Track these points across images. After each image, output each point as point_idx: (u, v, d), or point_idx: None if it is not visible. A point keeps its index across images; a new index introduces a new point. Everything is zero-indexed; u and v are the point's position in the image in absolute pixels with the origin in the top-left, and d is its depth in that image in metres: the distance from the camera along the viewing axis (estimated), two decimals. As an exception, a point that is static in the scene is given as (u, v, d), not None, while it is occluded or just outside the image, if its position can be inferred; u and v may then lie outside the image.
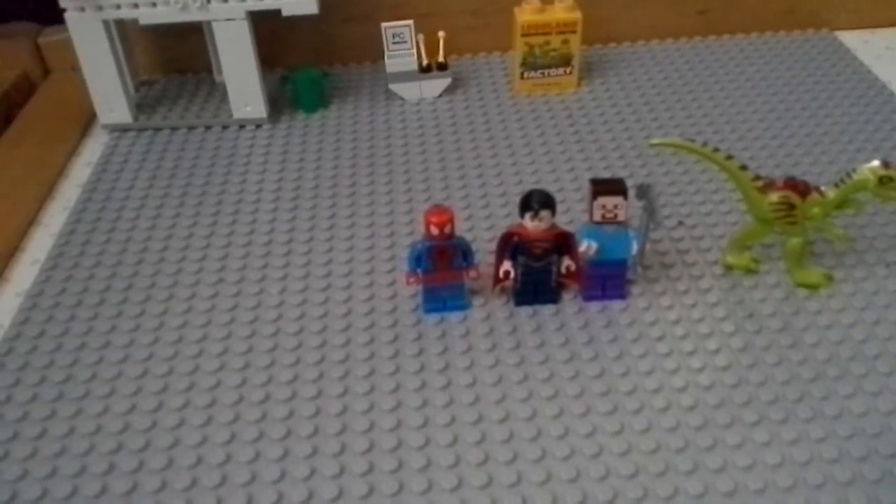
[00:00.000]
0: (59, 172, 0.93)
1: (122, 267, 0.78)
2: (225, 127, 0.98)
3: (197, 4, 0.89)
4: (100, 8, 0.89)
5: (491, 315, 0.72)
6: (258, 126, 0.98)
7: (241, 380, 0.66)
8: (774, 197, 0.69)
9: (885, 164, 0.68)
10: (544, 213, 0.68)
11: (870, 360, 0.66)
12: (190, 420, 0.63)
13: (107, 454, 0.60)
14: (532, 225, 0.68)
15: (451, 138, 0.96)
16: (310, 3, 0.90)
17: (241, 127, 0.98)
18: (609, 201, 0.68)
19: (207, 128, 0.98)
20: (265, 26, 0.95)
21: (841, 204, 0.70)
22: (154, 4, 0.89)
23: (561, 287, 0.73)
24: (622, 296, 0.73)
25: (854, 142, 0.92)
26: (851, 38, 1.13)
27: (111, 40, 0.92)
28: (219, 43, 0.93)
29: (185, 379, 0.66)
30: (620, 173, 0.88)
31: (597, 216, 0.69)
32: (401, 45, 1.00)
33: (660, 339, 0.69)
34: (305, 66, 1.03)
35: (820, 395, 0.63)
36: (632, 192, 0.69)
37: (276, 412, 0.63)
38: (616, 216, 0.68)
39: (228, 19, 0.90)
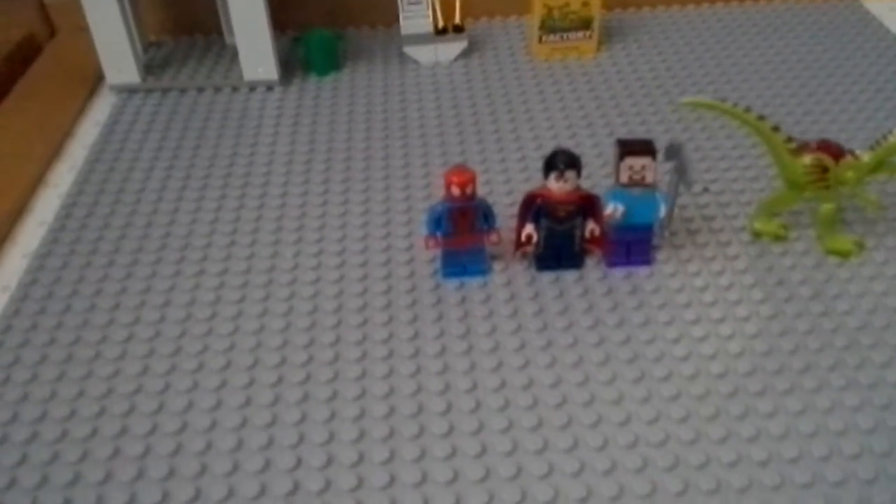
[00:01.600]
0: (67, 132, 0.91)
1: (131, 228, 0.76)
2: (235, 89, 0.96)
3: (208, -40, 0.86)
4: (107, -37, 0.87)
5: (512, 280, 0.70)
6: (269, 88, 0.96)
7: (255, 342, 0.64)
8: (807, 159, 0.67)
9: (922, 127, 0.66)
10: (570, 174, 0.66)
11: (904, 328, 0.64)
12: (203, 383, 0.61)
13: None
14: (557, 186, 0.66)
15: (467, 102, 0.93)
16: (324, -40, 0.87)
17: (252, 89, 0.96)
18: (637, 162, 0.66)
19: (217, 90, 0.96)
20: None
21: (876, 167, 0.67)
22: (163, -40, 0.87)
23: (585, 252, 0.71)
24: (647, 262, 0.71)
25: (882, 109, 0.90)
26: (878, 6, 1.10)
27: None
28: (230, 3, 0.90)
29: (198, 342, 0.64)
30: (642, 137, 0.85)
31: (623, 178, 0.66)
32: (416, 7, 0.98)
33: (687, 305, 0.67)
34: (318, 28, 1.00)
35: (854, 364, 0.61)
36: (660, 153, 0.66)
37: (292, 376, 0.61)
38: (644, 178, 0.66)
39: (240, -23, 0.88)
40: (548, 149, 0.84)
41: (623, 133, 0.87)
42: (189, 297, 0.68)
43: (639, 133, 0.87)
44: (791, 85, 0.94)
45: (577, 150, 0.83)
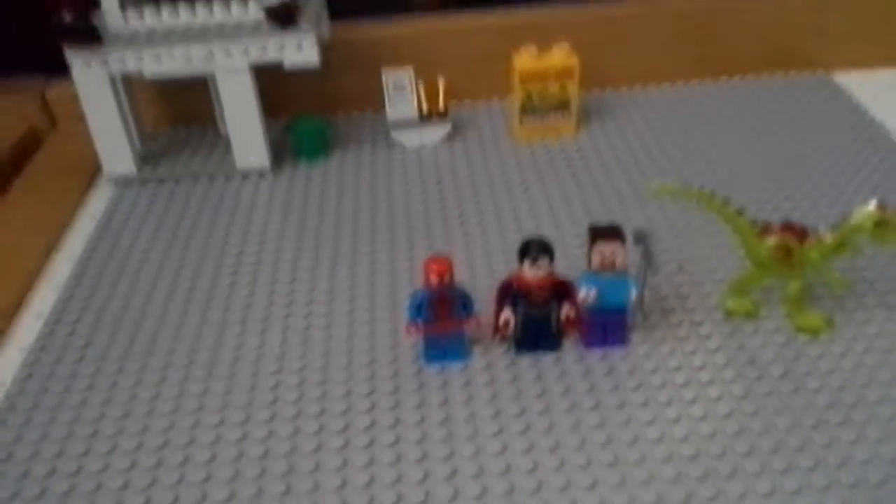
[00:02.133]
0: (65, 224, 0.94)
1: (124, 322, 0.78)
2: (228, 177, 1.00)
3: (201, 57, 0.91)
4: (105, 63, 0.91)
5: (491, 364, 0.72)
6: (261, 176, 0.99)
7: (241, 434, 0.66)
8: (772, 241, 0.70)
9: (882, 207, 0.68)
10: (542, 261, 0.68)
11: (872, 405, 0.66)
12: (189, 477, 0.63)
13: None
14: (531, 272, 0.69)
15: (450, 185, 0.97)
16: (311, 56, 0.92)
17: (245, 177, 0.99)
18: (607, 248, 0.68)
19: (211, 178, 1.00)
20: (267, 75, 0.96)
21: (839, 247, 0.70)
22: (159, 58, 0.91)
23: (562, 334, 0.73)
24: (623, 342, 0.73)
25: (852, 183, 0.93)
26: (847, 80, 1.14)
27: (116, 94, 0.94)
28: (222, 95, 0.94)
29: (186, 434, 0.66)
30: (619, 218, 0.88)
31: (595, 263, 0.69)
32: (401, 92, 1.02)
33: (661, 387, 0.68)
34: (308, 115, 1.04)
35: (822, 443, 0.63)
36: (630, 238, 0.69)
37: (275, 467, 0.63)
38: (615, 262, 0.69)
39: (232, 72, 0.92)
40: (528, 230, 0.88)
41: (600, 213, 0.90)
42: (178, 389, 0.70)
43: (616, 212, 0.90)
44: (763, 161, 0.97)
45: (556, 232, 0.87)
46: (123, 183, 0.99)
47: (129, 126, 0.99)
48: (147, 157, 1.03)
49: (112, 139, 0.97)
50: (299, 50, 0.91)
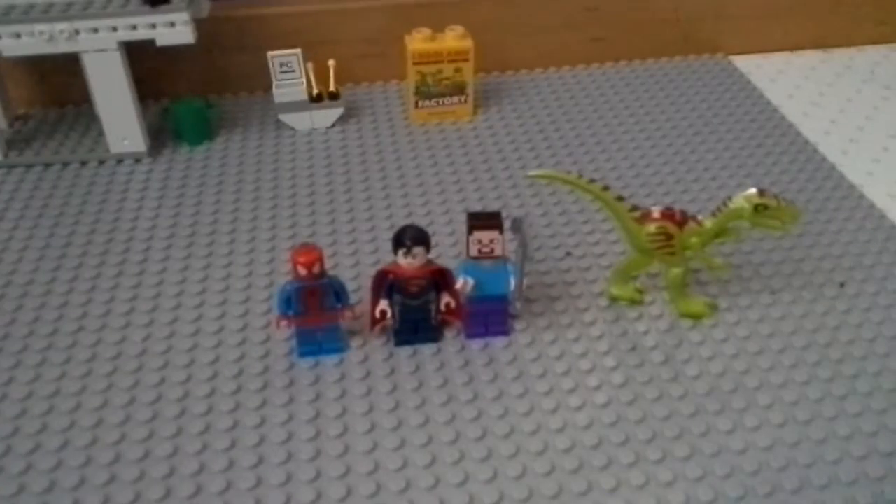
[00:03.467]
0: (-82, 214, 0.87)
1: (-26, 317, 0.73)
2: (102, 162, 0.93)
3: (65, 35, 0.85)
4: (-42, 40, 0.84)
5: (369, 357, 0.69)
6: (137, 160, 0.94)
7: (90, 439, 0.61)
8: (651, 227, 0.68)
9: (761, 192, 0.67)
10: (417, 250, 0.65)
11: (750, 392, 0.65)
12: (33, 486, 0.58)
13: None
14: (406, 262, 0.66)
15: (341, 170, 0.93)
16: (185, 34, 0.86)
17: (119, 161, 0.94)
18: (485, 236, 0.66)
19: (83, 163, 0.93)
20: (148, 55, 0.91)
21: (719, 233, 0.69)
22: (18, 35, 0.84)
23: (443, 325, 0.71)
24: (505, 332, 0.70)
25: (744, 166, 0.92)
26: (746, 63, 1.14)
27: (-27, 73, 0.87)
28: (90, 76, 0.88)
29: (30, 440, 0.61)
30: (511, 203, 0.86)
31: (473, 251, 0.66)
32: (289, 75, 0.97)
33: (541, 376, 0.66)
34: (191, 97, 0.99)
35: (699, 432, 0.62)
36: (507, 226, 0.67)
37: (125, 474, 0.58)
38: (493, 251, 0.66)
39: (99, 50, 0.86)
40: (419, 216, 0.85)
41: (493, 199, 0.88)
42: (27, 390, 0.65)
43: (508, 197, 0.88)
44: (659, 144, 0.96)
45: (446, 217, 0.85)
46: (-13, 169, 0.93)
47: (-7, 108, 0.92)
48: (15, 140, 0.96)
49: (-28, 122, 0.90)
50: (172, 28, 0.85)
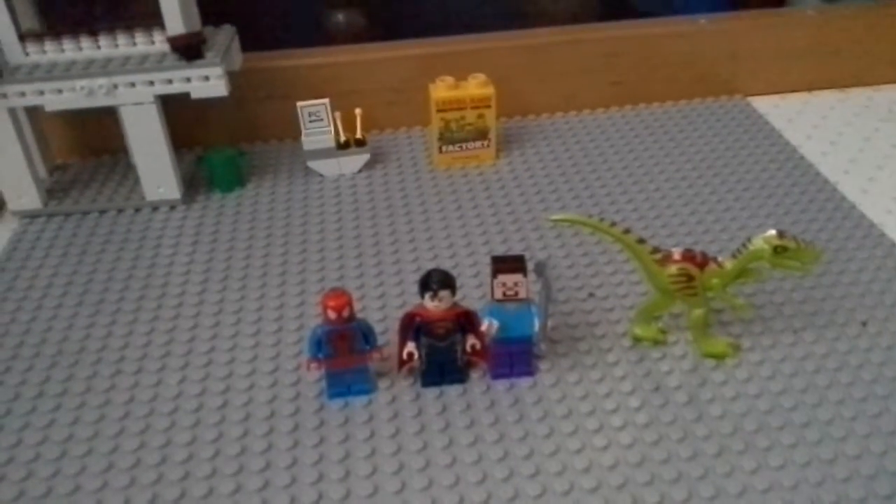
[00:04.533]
0: (-36, 262, 0.91)
1: (17, 361, 0.75)
2: (138, 210, 0.97)
3: (103, 90, 0.88)
4: (4, 96, 0.88)
5: (396, 398, 0.70)
6: (172, 207, 0.97)
7: (128, 480, 0.63)
8: (673, 269, 0.69)
9: (780, 234, 0.69)
10: (444, 293, 0.67)
11: (774, 431, 0.65)
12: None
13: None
14: (432, 305, 0.68)
15: (367, 214, 0.95)
16: (219, 87, 0.90)
17: (155, 209, 0.97)
18: (509, 279, 0.67)
19: (120, 211, 0.97)
20: (182, 106, 0.94)
21: (740, 274, 0.70)
22: (60, 91, 0.89)
23: (469, 366, 0.72)
24: (530, 373, 0.72)
25: (765, 206, 0.94)
26: (763, 104, 1.16)
27: (17, 127, 0.91)
28: (127, 128, 0.92)
29: (71, 481, 0.63)
30: (535, 246, 0.88)
31: (498, 294, 0.68)
32: (317, 123, 1.00)
33: (565, 416, 0.68)
34: (223, 146, 1.02)
35: (723, 472, 0.62)
36: (531, 268, 0.68)
37: (162, 514, 0.60)
38: (517, 293, 0.68)
39: (136, 104, 0.90)
40: (443, 260, 0.87)
41: (517, 241, 0.89)
42: (67, 432, 0.68)
43: (532, 240, 0.90)
44: (679, 186, 0.98)
45: (471, 259, 0.87)
46: (29, 217, 0.96)
47: (34, 159, 0.96)
48: (55, 189, 1.00)
49: (15, 174, 0.93)
50: (206, 82, 0.89)
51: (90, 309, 0.81)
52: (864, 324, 0.76)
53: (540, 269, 0.69)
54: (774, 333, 0.75)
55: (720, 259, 0.70)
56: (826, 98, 1.18)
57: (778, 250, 0.68)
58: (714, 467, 0.62)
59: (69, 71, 0.88)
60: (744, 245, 0.69)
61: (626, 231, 0.70)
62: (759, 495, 0.60)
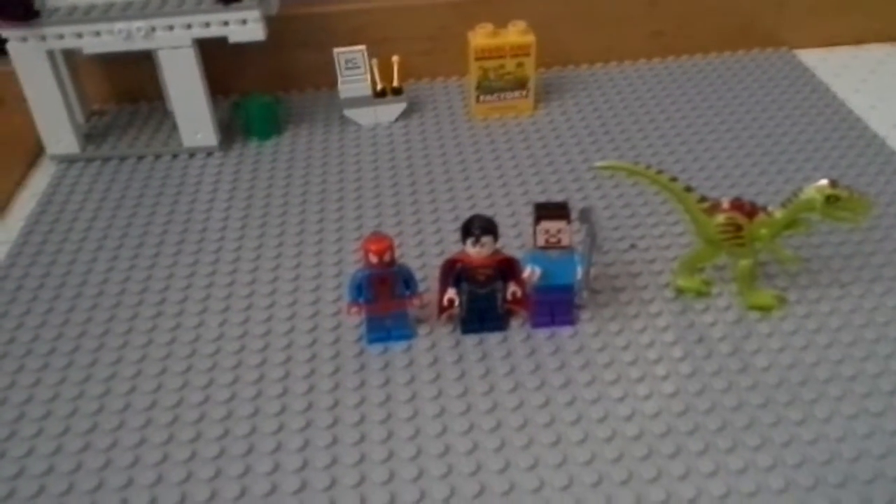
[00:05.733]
0: (4, 205, 0.91)
1: (59, 301, 0.76)
2: (175, 155, 0.97)
3: (142, 33, 0.88)
4: (43, 38, 0.88)
5: (436, 344, 0.70)
6: (209, 154, 0.97)
7: (172, 417, 0.64)
8: (721, 218, 0.68)
9: (833, 184, 0.67)
10: (486, 239, 0.66)
11: (821, 384, 0.64)
12: (116, 461, 0.60)
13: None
14: (474, 251, 0.67)
15: (404, 163, 0.94)
16: (256, 31, 0.89)
17: (192, 155, 0.97)
18: (552, 226, 0.66)
19: (157, 157, 0.97)
20: (219, 53, 0.93)
21: (789, 224, 0.68)
22: (98, 34, 0.88)
23: (509, 314, 0.72)
24: (570, 322, 0.71)
25: (811, 160, 0.91)
26: (810, 57, 1.13)
27: (56, 70, 0.91)
28: (165, 71, 0.91)
29: (116, 417, 0.64)
30: (574, 196, 0.87)
31: (540, 241, 0.67)
32: (354, 71, 0.99)
33: (607, 365, 0.67)
34: (259, 93, 1.01)
35: (769, 422, 0.61)
36: (574, 216, 0.67)
37: (206, 451, 0.61)
38: (560, 241, 0.67)
39: (174, 47, 0.89)
40: (482, 208, 0.86)
41: (556, 191, 0.88)
42: (111, 370, 0.68)
43: (571, 190, 0.88)
44: (723, 138, 0.96)
45: (510, 209, 0.86)
46: (67, 162, 0.96)
47: (72, 104, 0.96)
48: (92, 135, 1.00)
49: (53, 117, 0.93)
50: (243, 25, 0.88)
51: (130, 252, 0.82)
52: (914, 279, 0.74)
53: (585, 216, 0.68)
54: (821, 287, 0.74)
55: (769, 209, 0.68)
56: (875, 51, 1.14)
57: (830, 200, 0.66)
58: (760, 418, 0.62)
59: (108, 13, 0.87)
60: (794, 195, 0.68)
61: (673, 179, 0.69)
62: (806, 446, 0.59)
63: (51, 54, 0.90)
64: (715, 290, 0.74)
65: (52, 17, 0.87)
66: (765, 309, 0.71)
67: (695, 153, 0.93)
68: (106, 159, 0.97)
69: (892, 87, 1.05)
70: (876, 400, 0.63)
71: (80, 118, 0.99)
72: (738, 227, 0.68)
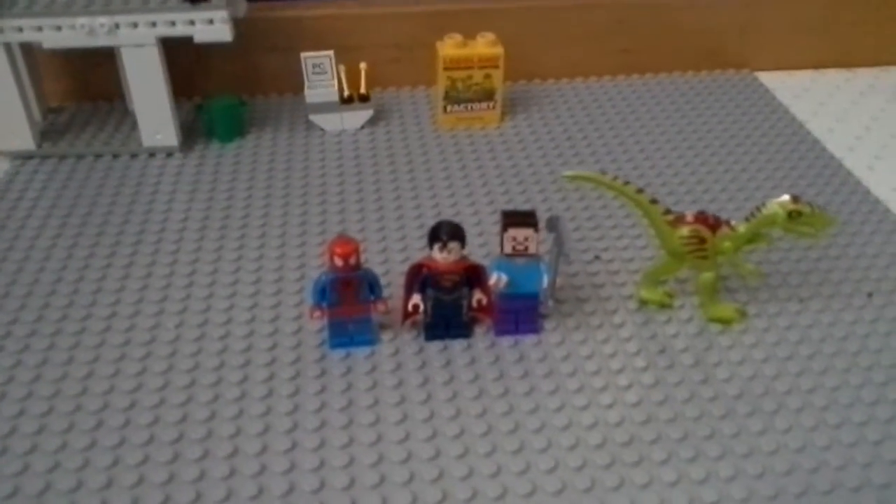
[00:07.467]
0: (-47, 200, 0.88)
1: (8, 299, 0.73)
2: (134, 155, 0.94)
3: (105, 30, 0.86)
4: (0, 30, 0.85)
5: (400, 350, 0.69)
6: (169, 154, 0.95)
7: (124, 420, 0.62)
8: (685, 231, 0.69)
9: (795, 199, 0.68)
10: (453, 245, 0.66)
11: (780, 396, 0.65)
12: (64, 464, 0.58)
13: None
14: (441, 257, 0.66)
15: (370, 170, 0.94)
16: (223, 31, 0.88)
17: (152, 155, 0.94)
18: (519, 233, 0.66)
19: (115, 156, 0.94)
20: (184, 54, 0.92)
21: (752, 238, 0.69)
22: (59, 28, 0.86)
23: (474, 321, 0.71)
24: (535, 330, 0.71)
25: (771, 178, 0.93)
26: (771, 79, 1.15)
27: (13, 64, 0.88)
28: (128, 69, 0.89)
29: (65, 419, 0.61)
30: (539, 207, 0.87)
31: (507, 248, 0.67)
32: (321, 76, 0.98)
33: (571, 374, 0.67)
34: (222, 95, 1.00)
35: (730, 433, 0.62)
36: (542, 224, 0.67)
37: (159, 455, 0.59)
38: (527, 248, 0.67)
39: (138, 45, 0.87)
40: (447, 216, 0.85)
41: (521, 201, 0.88)
42: (61, 371, 0.66)
43: (536, 201, 0.88)
44: (685, 155, 0.97)
45: (475, 218, 0.85)
46: (21, 158, 0.93)
47: (29, 99, 0.93)
48: (49, 131, 0.98)
49: (8, 112, 0.91)
50: (210, 25, 0.87)
51: (85, 251, 0.79)
52: (869, 295, 0.76)
53: (553, 224, 0.68)
54: (780, 301, 0.75)
55: (733, 223, 0.69)
56: (833, 77, 1.17)
57: (792, 215, 0.67)
58: (721, 428, 0.62)
59: (70, 7, 0.85)
60: (757, 209, 0.68)
61: (640, 191, 0.69)
62: (766, 456, 0.60)
63: (8, 47, 0.87)
64: (677, 302, 0.74)
65: (11, 10, 0.85)
66: (725, 322, 0.72)
67: (658, 169, 0.94)
68: (62, 157, 0.94)
69: (848, 111, 1.08)
70: (834, 412, 0.63)
71: (36, 114, 0.97)
72: (702, 240, 0.69)
